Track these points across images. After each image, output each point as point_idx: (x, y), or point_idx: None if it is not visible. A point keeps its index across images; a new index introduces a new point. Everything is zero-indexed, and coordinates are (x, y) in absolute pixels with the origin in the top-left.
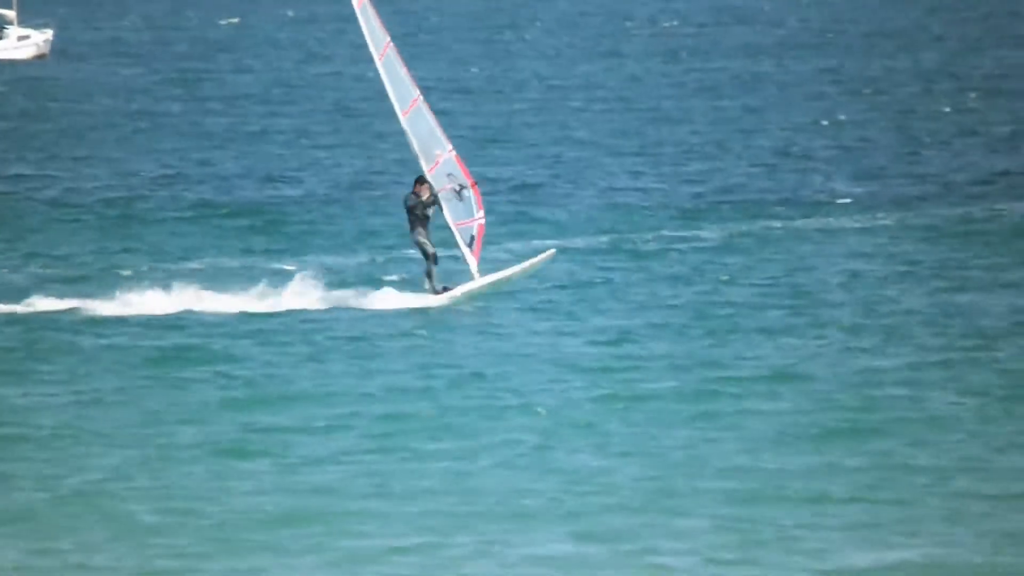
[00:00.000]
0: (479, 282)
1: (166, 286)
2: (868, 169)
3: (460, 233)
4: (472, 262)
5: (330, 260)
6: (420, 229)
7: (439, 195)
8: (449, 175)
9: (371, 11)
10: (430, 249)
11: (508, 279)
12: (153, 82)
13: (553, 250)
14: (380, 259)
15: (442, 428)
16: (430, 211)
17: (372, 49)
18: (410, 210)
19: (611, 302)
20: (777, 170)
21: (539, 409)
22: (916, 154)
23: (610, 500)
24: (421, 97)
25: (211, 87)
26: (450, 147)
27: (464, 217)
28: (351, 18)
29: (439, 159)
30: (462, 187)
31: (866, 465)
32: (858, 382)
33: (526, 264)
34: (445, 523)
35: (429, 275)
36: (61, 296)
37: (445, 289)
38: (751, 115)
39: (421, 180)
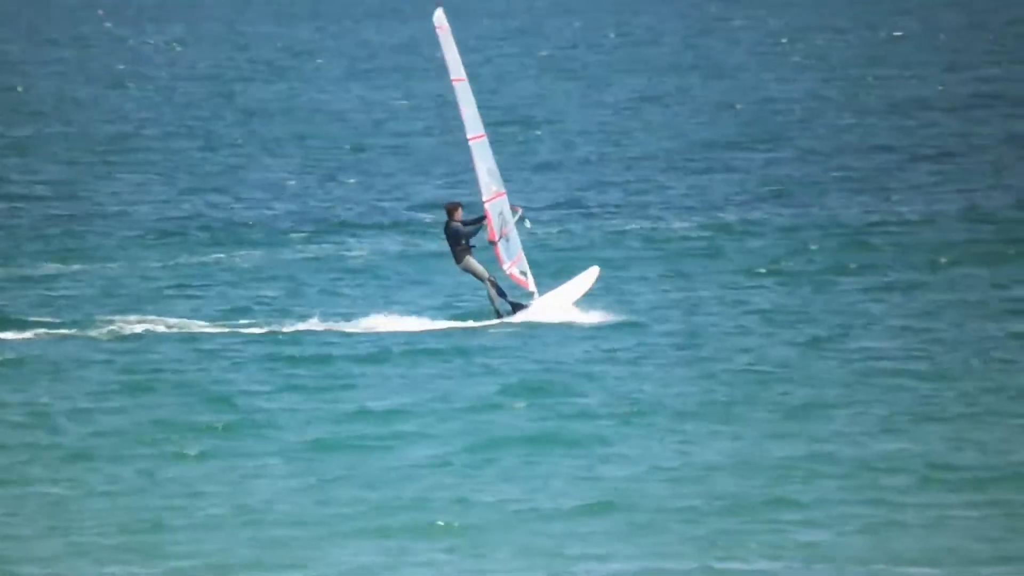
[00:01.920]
0: (547, 299)
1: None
2: None
3: (516, 268)
4: (531, 288)
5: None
6: (467, 257)
7: (499, 237)
8: (500, 214)
9: (453, 50)
10: (484, 273)
11: (571, 297)
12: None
13: (597, 268)
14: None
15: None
16: (471, 238)
17: (451, 69)
18: (452, 239)
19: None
20: None
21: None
22: None
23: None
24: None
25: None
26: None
27: (513, 255)
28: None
29: (497, 194)
30: (520, 217)
31: None
32: None
33: (577, 284)
34: None
35: (492, 298)
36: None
37: (516, 307)
38: None
39: (452, 207)
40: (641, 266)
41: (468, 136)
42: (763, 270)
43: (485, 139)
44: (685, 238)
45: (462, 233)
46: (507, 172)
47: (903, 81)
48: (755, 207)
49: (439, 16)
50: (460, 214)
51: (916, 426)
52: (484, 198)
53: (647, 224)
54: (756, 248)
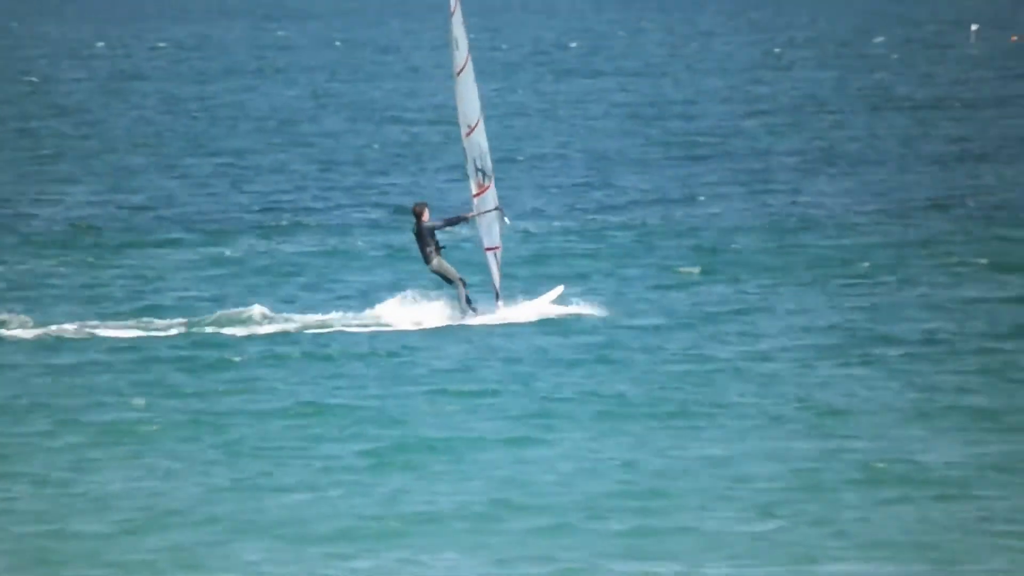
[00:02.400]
0: (508, 310)
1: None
2: None
3: (494, 258)
4: (497, 286)
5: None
6: (437, 257)
7: (478, 219)
8: (494, 196)
9: (460, 20)
10: (456, 274)
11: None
12: None
13: (561, 287)
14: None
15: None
16: (443, 230)
17: (454, 61)
18: (420, 239)
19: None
20: None
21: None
22: None
23: None
24: (482, 117)
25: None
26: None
27: (496, 243)
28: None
29: (488, 186)
30: (502, 211)
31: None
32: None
33: (541, 299)
34: None
35: (459, 299)
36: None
37: (475, 311)
38: None
39: (421, 208)
40: (566, 266)
41: (464, 131)
42: (685, 271)
43: (481, 126)
44: (608, 239)
45: (436, 227)
46: (429, 174)
47: (810, 83)
48: (675, 208)
49: None
50: (428, 215)
51: (835, 423)
52: (475, 191)
53: (570, 224)
54: (677, 248)
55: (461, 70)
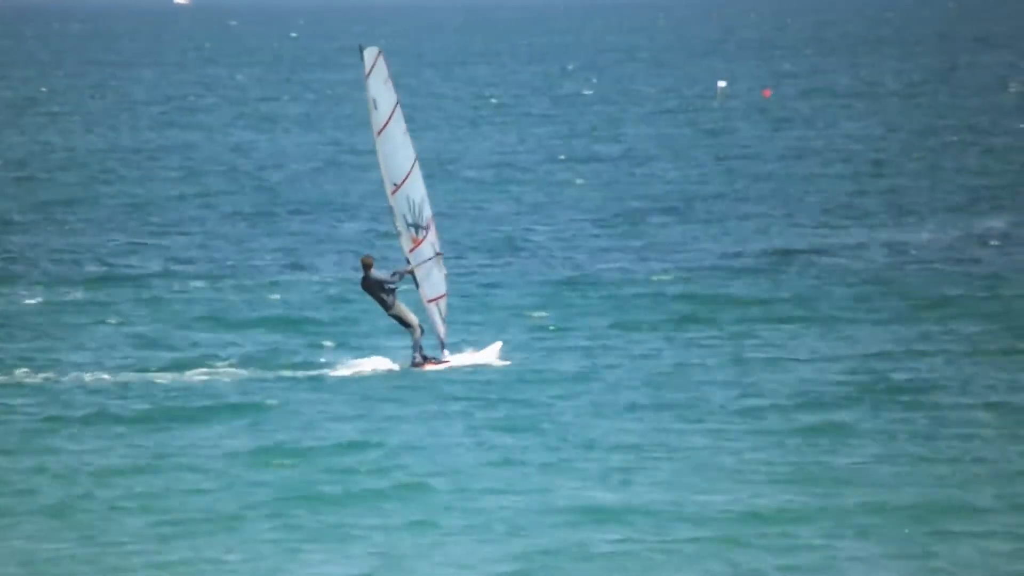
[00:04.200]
0: (453, 360)
1: None
2: None
3: (437, 309)
4: (442, 336)
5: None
6: (397, 302)
7: (416, 272)
8: (432, 244)
9: (383, 74)
10: (415, 320)
11: (473, 363)
12: None
13: (500, 343)
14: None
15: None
16: (390, 287)
17: (373, 123)
18: (369, 291)
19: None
20: None
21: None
22: None
23: None
24: (417, 162)
25: None
26: (431, 213)
27: (440, 291)
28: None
29: (422, 238)
30: (439, 254)
31: None
32: None
33: (481, 353)
34: None
35: (414, 345)
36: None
37: (425, 359)
38: None
39: (368, 259)
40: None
41: (391, 189)
42: (553, 326)
43: (413, 174)
44: (523, 296)
45: (385, 281)
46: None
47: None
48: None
49: (371, 53)
50: (375, 267)
51: (722, 481)
52: (407, 249)
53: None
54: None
55: (382, 129)
